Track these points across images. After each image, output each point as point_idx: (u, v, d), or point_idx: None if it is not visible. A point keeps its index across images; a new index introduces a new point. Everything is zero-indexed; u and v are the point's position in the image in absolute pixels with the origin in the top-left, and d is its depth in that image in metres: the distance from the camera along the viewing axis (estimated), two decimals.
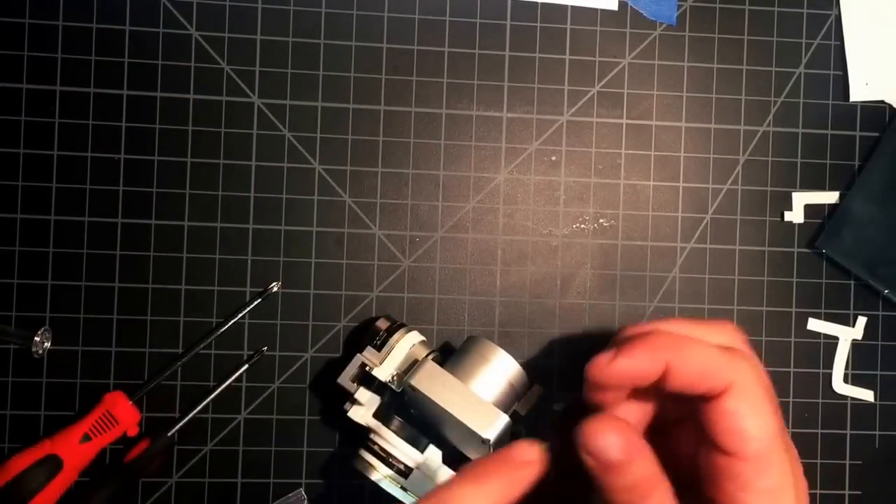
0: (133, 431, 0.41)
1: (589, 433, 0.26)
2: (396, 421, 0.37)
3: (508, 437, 0.35)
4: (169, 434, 0.41)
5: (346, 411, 0.38)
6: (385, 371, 0.38)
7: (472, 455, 0.37)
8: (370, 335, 0.39)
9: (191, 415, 0.41)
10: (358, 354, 0.39)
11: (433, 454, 0.37)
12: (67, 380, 0.42)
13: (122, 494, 0.40)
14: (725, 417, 0.25)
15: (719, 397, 0.25)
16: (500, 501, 0.26)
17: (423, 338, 0.39)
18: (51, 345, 0.42)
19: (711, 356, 0.26)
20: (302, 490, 0.42)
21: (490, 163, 0.44)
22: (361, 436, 0.38)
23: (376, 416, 0.38)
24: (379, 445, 0.37)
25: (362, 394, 0.38)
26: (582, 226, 0.44)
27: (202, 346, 0.42)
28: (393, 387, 0.38)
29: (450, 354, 0.38)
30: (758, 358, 0.29)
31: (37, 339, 0.41)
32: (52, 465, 0.38)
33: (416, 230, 0.44)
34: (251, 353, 0.42)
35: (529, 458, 0.27)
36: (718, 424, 0.25)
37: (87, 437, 0.39)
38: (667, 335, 0.26)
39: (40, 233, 0.42)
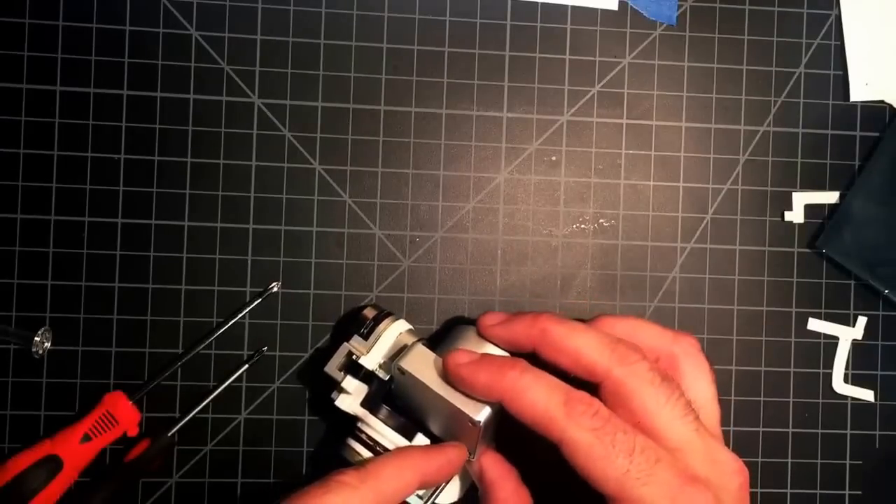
0: (133, 431, 0.41)
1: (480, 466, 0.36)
2: (384, 409, 0.37)
3: (495, 422, 0.34)
4: (169, 434, 0.41)
5: (334, 400, 0.38)
6: (372, 359, 0.38)
7: None
8: (357, 324, 0.39)
9: (191, 415, 0.41)
10: (345, 343, 0.39)
11: (420, 443, 0.37)
12: (67, 380, 0.42)
13: (122, 494, 0.40)
14: (569, 464, 0.30)
15: (559, 447, 0.30)
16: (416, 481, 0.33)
17: (410, 326, 0.39)
18: (51, 345, 0.42)
19: (542, 409, 0.31)
20: None
21: (490, 163, 0.44)
22: (349, 425, 0.38)
23: (363, 404, 0.38)
24: (366, 434, 0.37)
25: (349, 382, 0.38)
26: (582, 226, 0.44)
27: (202, 346, 0.42)
28: (380, 375, 0.38)
29: (437, 343, 0.38)
30: (707, 367, 0.34)
31: (37, 339, 0.41)
32: (52, 465, 0.38)
33: (416, 230, 0.44)
34: (251, 353, 0.42)
35: (452, 455, 0.35)
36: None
37: (87, 437, 0.39)
38: (514, 375, 0.32)
39: (40, 233, 0.42)
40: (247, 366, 0.42)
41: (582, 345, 0.32)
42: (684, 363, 0.33)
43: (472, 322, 0.37)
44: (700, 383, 0.33)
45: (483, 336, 0.36)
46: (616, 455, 0.29)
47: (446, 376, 0.34)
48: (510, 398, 0.31)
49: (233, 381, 0.42)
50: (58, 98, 0.42)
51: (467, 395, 0.34)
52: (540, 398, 0.31)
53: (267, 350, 0.43)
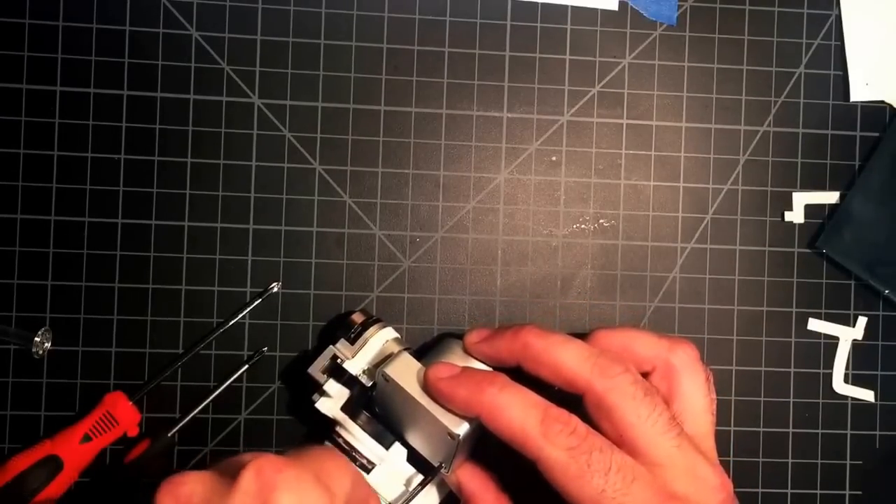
0: (133, 432, 0.41)
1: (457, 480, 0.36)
2: (364, 416, 0.37)
3: (475, 436, 0.34)
4: (169, 434, 0.41)
5: (314, 402, 0.38)
6: (357, 364, 0.38)
7: (433, 458, 0.36)
8: (344, 328, 0.39)
9: (191, 415, 0.41)
10: (330, 346, 0.38)
11: (398, 452, 0.37)
12: (67, 380, 0.42)
13: (122, 495, 0.40)
14: (545, 479, 0.30)
15: (535, 463, 0.31)
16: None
17: (397, 334, 0.39)
18: (51, 345, 0.42)
19: (519, 427, 0.31)
20: None
21: (490, 163, 0.44)
22: (327, 429, 0.38)
23: (344, 409, 0.38)
24: (344, 439, 0.37)
25: (331, 386, 0.38)
26: (582, 226, 0.44)
27: (202, 346, 0.42)
28: (363, 380, 0.38)
29: (423, 354, 0.38)
30: (703, 377, 0.34)
31: (37, 339, 0.41)
32: (53, 465, 0.38)
33: (416, 230, 0.44)
34: (251, 353, 0.42)
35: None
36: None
37: (87, 438, 0.39)
38: (493, 392, 0.32)
39: (40, 233, 0.42)
40: (247, 366, 0.42)
41: (563, 358, 0.32)
42: (681, 373, 0.33)
43: (460, 336, 0.37)
44: (695, 394, 0.33)
45: (469, 354, 0.36)
46: (591, 474, 0.29)
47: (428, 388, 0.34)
48: (487, 415, 0.31)
49: (233, 382, 0.42)
50: (58, 98, 0.42)
51: (448, 408, 0.34)
52: (516, 416, 0.31)
53: (267, 350, 0.43)
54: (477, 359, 0.36)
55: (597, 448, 0.30)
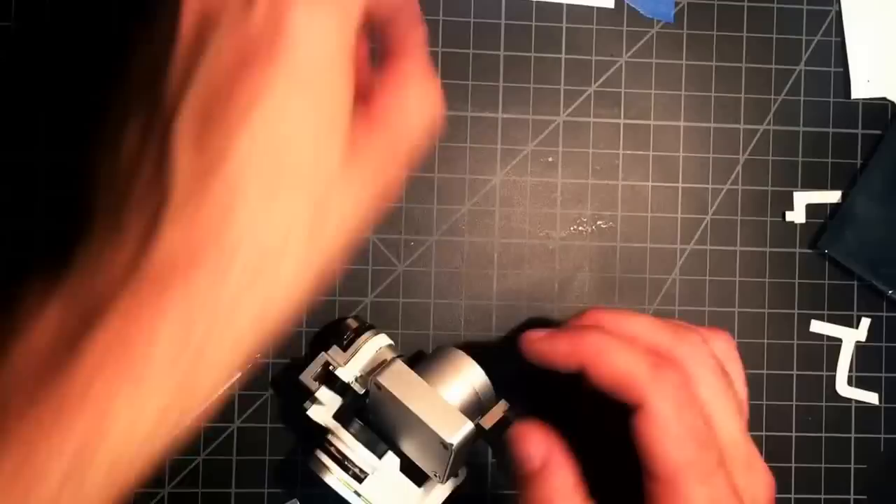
0: None
1: (514, 438, 0.29)
2: (356, 424, 0.37)
3: (470, 446, 0.34)
4: None
5: (306, 410, 0.38)
6: (349, 371, 0.38)
7: (427, 467, 0.36)
8: (337, 334, 0.39)
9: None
10: (323, 353, 0.38)
11: (390, 461, 0.37)
12: None
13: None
14: (635, 433, 0.28)
15: (634, 412, 0.28)
16: None
17: (390, 342, 0.39)
18: None
19: (627, 370, 0.28)
20: (296, 500, 0.42)
21: (485, 164, 0.43)
22: (319, 437, 0.38)
23: (336, 417, 0.37)
24: (336, 447, 0.37)
25: (324, 393, 0.37)
26: (580, 228, 0.44)
27: None
28: (356, 388, 0.37)
29: (417, 362, 0.37)
30: (742, 369, 0.31)
31: None
32: None
33: (410, 234, 0.43)
34: None
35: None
36: (632, 437, 0.28)
37: None
38: (597, 337, 0.29)
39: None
40: (239, 373, 0.42)
41: (639, 328, 0.30)
42: (723, 364, 0.31)
43: (458, 347, 0.37)
44: (738, 385, 0.31)
45: (535, 351, 0.32)
46: (689, 442, 0.27)
47: (423, 398, 0.33)
48: (592, 361, 0.29)
49: (226, 389, 0.41)
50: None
51: (442, 416, 0.33)
52: (623, 359, 0.28)
53: (260, 357, 0.42)
54: (544, 357, 0.32)
55: (701, 417, 0.27)
